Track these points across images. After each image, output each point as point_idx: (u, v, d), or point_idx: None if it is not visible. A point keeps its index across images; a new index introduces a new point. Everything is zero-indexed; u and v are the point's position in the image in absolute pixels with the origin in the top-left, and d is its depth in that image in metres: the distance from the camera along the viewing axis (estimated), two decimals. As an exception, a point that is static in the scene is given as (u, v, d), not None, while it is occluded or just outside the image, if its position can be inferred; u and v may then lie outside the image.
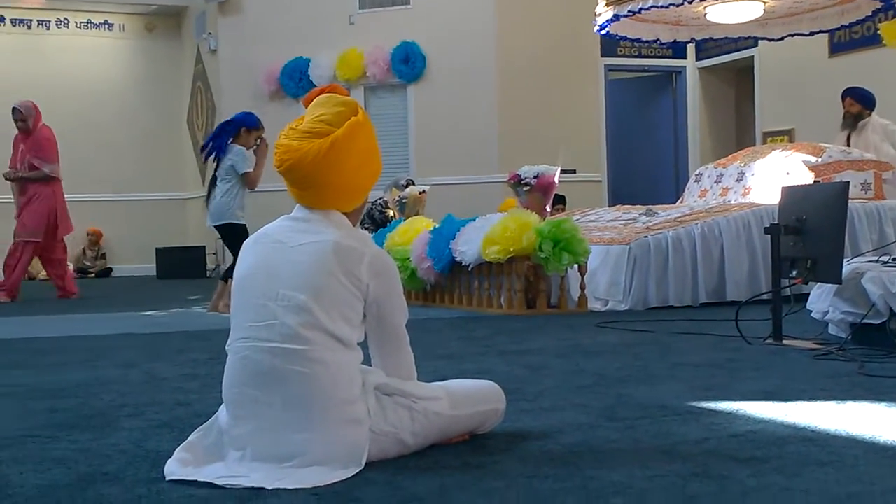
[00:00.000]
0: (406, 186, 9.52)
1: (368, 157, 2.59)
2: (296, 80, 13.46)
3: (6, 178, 10.03)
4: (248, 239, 2.64)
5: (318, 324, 2.42)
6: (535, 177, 7.66)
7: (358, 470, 2.38)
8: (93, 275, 15.48)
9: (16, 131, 10.12)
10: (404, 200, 9.06)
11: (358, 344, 2.52)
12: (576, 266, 7.20)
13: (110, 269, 15.74)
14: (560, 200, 11.51)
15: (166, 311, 8.07)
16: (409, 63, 13.48)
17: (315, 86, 12.25)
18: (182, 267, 14.34)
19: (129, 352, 5.17)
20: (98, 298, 10.21)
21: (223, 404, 2.56)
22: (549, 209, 7.91)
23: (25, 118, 9.88)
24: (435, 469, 2.42)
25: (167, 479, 2.37)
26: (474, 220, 7.63)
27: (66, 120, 15.37)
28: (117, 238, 15.86)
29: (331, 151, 2.48)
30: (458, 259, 7.51)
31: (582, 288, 7.34)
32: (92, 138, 15.56)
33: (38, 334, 6.20)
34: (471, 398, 2.73)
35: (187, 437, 2.59)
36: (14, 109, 9.91)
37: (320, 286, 2.44)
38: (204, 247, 14.76)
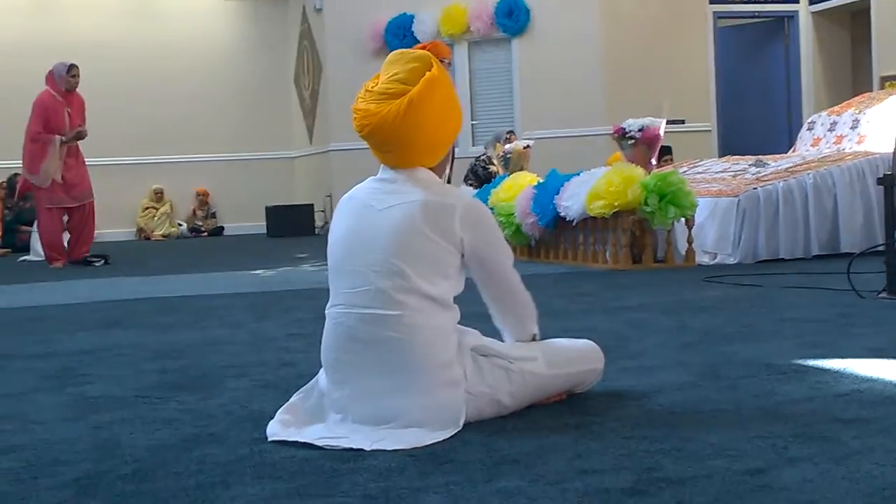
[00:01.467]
0: (508, 139, 9.47)
1: (448, 111, 2.57)
2: (400, 37, 13.47)
3: (68, 140, 9.66)
4: (340, 202, 2.65)
5: (412, 287, 2.43)
6: (639, 130, 7.55)
7: (455, 431, 2.40)
8: (205, 234, 15.83)
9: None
10: (508, 156, 9.02)
11: (455, 301, 2.53)
12: (682, 219, 7.10)
13: (222, 228, 16.06)
14: (667, 151, 11.32)
15: (275, 270, 8.21)
16: (512, 16, 13.37)
17: (419, 42, 12.28)
18: (291, 225, 14.56)
19: (237, 311, 5.28)
20: (208, 257, 10.44)
21: (322, 367, 2.61)
22: (654, 162, 7.80)
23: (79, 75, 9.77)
24: (532, 430, 2.43)
25: (269, 439, 2.42)
26: (578, 174, 7.57)
27: (175, 82, 15.73)
28: (228, 197, 16.16)
29: (409, 111, 2.46)
30: (562, 214, 7.47)
31: (689, 242, 7.24)
32: (201, 100, 15.85)
33: (150, 295, 6.37)
34: (568, 358, 2.72)
35: (291, 397, 2.64)
36: (74, 66, 9.65)
37: (412, 248, 2.45)
38: (312, 205, 14.95)
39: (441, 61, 7.97)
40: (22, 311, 5.70)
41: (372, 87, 2.55)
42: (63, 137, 9.63)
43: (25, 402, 3.02)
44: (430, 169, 2.59)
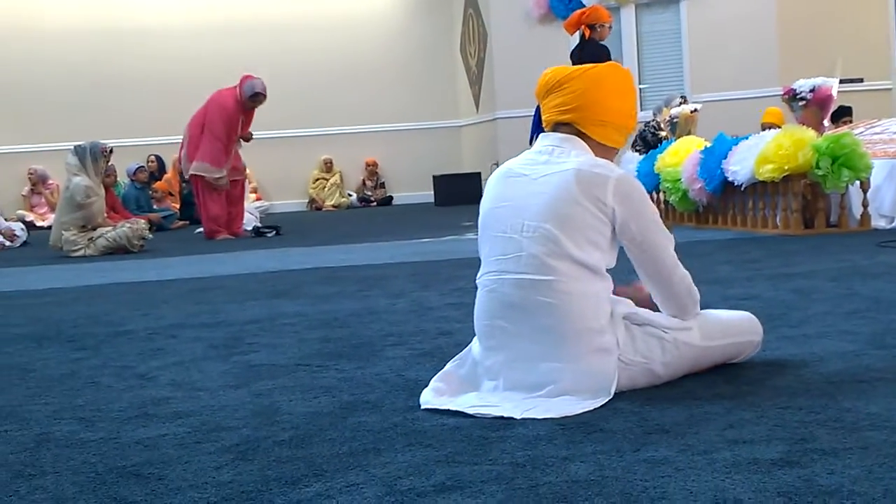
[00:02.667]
0: (680, 104, 9.29)
1: (624, 94, 2.65)
2: (565, 3, 13.30)
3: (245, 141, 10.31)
4: (494, 173, 2.67)
5: (564, 253, 2.44)
6: (810, 90, 7.30)
7: (607, 399, 2.39)
8: (375, 203, 16.10)
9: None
10: (675, 120, 8.85)
11: (608, 271, 2.51)
12: (857, 182, 6.82)
13: (391, 198, 16.30)
14: (846, 112, 10.85)
15: (440, 239, 8.29)
16: (680, -23, 13.07)
17: (584, 6, 12.13)
18: (458, 193, 14.63)
19: (401, 281, 5.36)
20: (376, 227, 10.61)
21: (476, 336, 2.63)
22: (827, 123, 7.52)
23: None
24: (685, 400, 2.39)
25: (422, 407, 2.46)
26: (747, 138, 7.37)
27: (342, 54, 15.98)
28: (397, 167, 16.37)
29: (591, 71, 2.61)
30: (730, 179, 7.29)
31: (864, 205, 6.96)
32: (369, 71, 16.05)
33: (317, 265, 6.52)
34: (724, 330, 2.67)
35: (446, 366, 2.67)
36: (259, 94, 9.94)
37: (565, 215, 2.46)
38: (479, 173, 14.99)
39: (602, 26, 7.85)
40: (195, 282, 5.94)
41: None
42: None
43: (194, 370, 3.16)
44: (593, 149, 2.59)
